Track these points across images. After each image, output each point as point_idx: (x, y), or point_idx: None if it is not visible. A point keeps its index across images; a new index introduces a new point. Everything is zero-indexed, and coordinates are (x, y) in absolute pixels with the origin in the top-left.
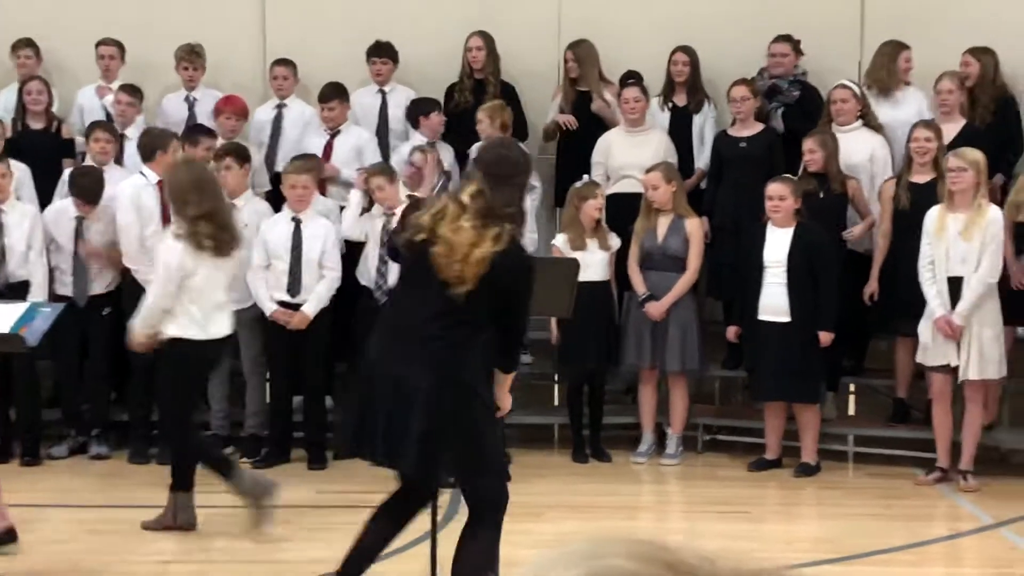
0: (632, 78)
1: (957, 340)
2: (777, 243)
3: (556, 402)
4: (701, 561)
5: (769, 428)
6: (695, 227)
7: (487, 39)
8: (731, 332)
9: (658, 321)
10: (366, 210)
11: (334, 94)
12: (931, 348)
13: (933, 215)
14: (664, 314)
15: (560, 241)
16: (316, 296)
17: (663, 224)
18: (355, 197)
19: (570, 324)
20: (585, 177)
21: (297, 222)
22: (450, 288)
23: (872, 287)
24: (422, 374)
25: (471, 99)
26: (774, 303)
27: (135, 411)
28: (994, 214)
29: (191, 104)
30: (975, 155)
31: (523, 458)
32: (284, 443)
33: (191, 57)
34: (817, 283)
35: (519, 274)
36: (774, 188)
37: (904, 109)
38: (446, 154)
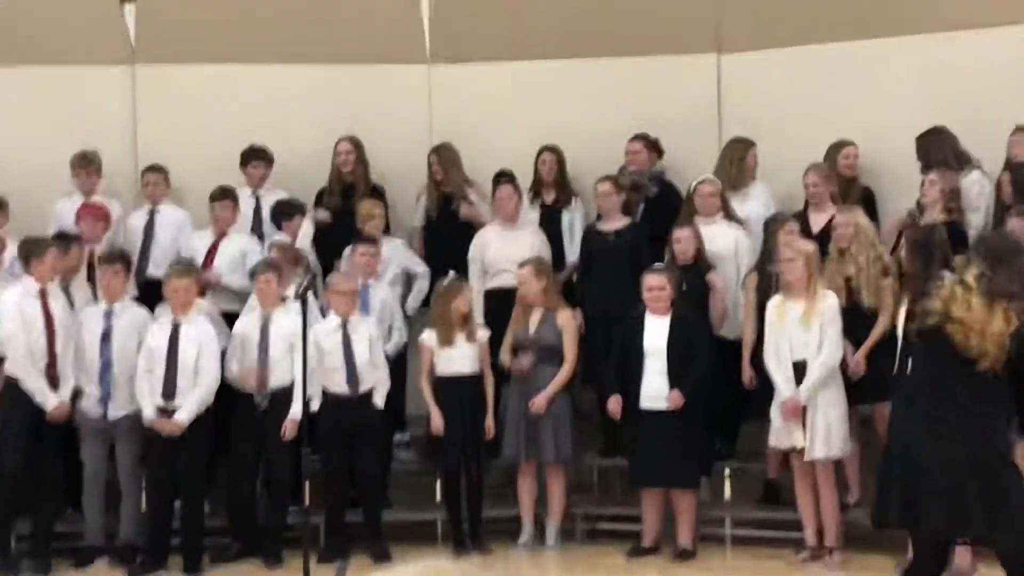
0: (504, 176)
1: (801, 421)
2: (655, 331)
3: (439, 497)
4: None
5: (646, 515)
6: (567, 319)
7: (356, 144)
8: (612, 402)
9: (538, 413)
10: None
11: (225, 195)
12: (782, 431)
13: (774, 303)
14: (543, 408)
15: (427, 336)
16: (190, 402)
17: (535, 317)
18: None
19: (443, 415)
20: (451, 274)
21: (176, 326)
22: (976, 365)
23: (747, 373)
24: (970, 450)
25: (340, 202)
26: (655, 390)
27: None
28: (831, 300)
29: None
30: (806, 246)
31: (405, 555)
32: (162, 550)
33: (83, 163)
34: (694, 362)
35: None
36: (653, 279)
37: (752, 203)
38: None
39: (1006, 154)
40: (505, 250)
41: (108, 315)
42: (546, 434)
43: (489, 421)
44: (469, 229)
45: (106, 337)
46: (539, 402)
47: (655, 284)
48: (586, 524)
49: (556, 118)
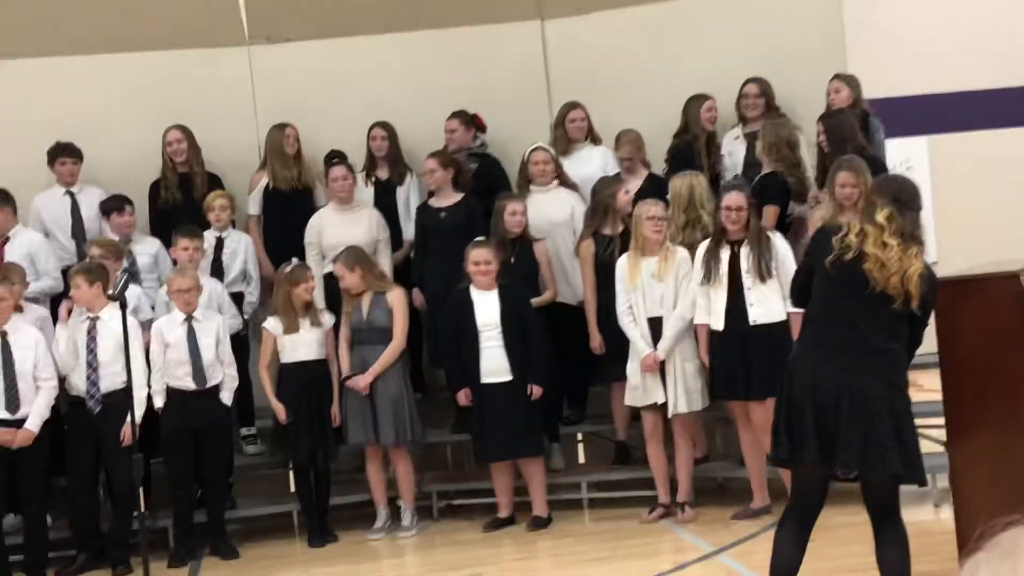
0: (336, 156)
1: (662, 376)
2: (487, 306)
3: (293, 488)
4: None
5: (499, 487)
6: (396, 298)
7: (185, 131)
8: (462, 396)
9: (366, 395)
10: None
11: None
12: (639, 389)
13: (623, 262)
14: (367, 388)
15: (271, 324)
16: (36, 409)
17: (365, 300)
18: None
19: (285, 407)
20: (294, 260)
21: (3, 336)
22: (891, 303)
23: (596, 339)
24: (877, 384)
25: (179, 194)
26: (494, 365)
27: None
28: (683, 255)
29: None
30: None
31: (261, 549)
32: (5, 565)
33: None
34: (527, 339)
35: (934, 289)
36: (479, 253)
37: (589, 165)
38: (146, 247)
39: (826, 101)
40: (342, 232)
41: None
42: (385, 417)
43: (335, 408)
44: (311, 209)
45: None
46: (361, 382)
47: (481, 258)
48: (441, 502)
49: (384, 94)
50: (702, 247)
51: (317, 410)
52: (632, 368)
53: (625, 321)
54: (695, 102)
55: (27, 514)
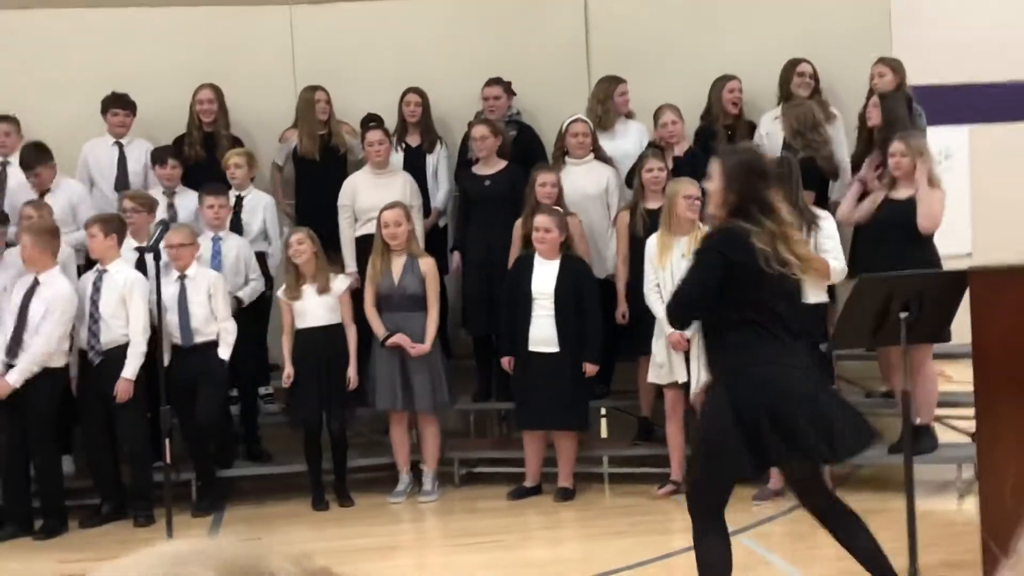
0: (373, 121)
1: (687, 354)
2: (544, 275)
3: None
4: (286, 566)
5: (529, 456)
6: (429, 266)
7: (216, 91)
8: (505, 362)
9: (403, 360)
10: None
11: (35, 160)
12: (664, 367)
13: (653, 241)
14: (421, 353)
15: (280, 291)
16: (22, 363)
17: (397, 265)
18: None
19: (299, 369)
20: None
21: (35, 283)
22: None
23: (622, 308)
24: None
25: (203, 152)
26: (543, 334)
27: None
28: None
29: None
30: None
31: (273, 508)
32: (19, 514)
33: None
34: (583, 314)
35: None
36: (541, 220)
37: (625, 141)
38: (189, 201)
39: (869, 84)
40: (376, 196)
41: None
42: (421, 383)
43: (351, 371)
44: (342, 172)
45: None
46: (418, 351)
47: (541, 225)
48: (464, 469)
49: (419, 60)
50: None
51: (326, 374)
52: (657, 346)
53: (652, 299)
54: (718, 83)
55: (37, 463)
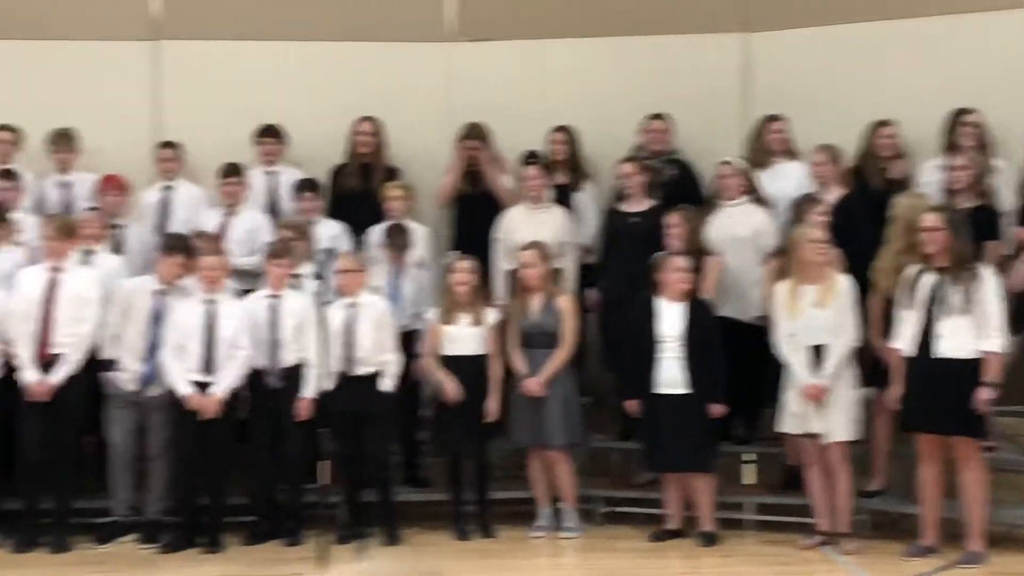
0: (532, 157)
1: (821, 403)
2: (671, 317)
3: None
4: None
5: (669, 499)
6: (566, 304)
7: (376, 124)
8: (631, 406)
9: (539, 397)
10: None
11: (234, 170)
12: (798, 416)
13: (783, 288)
14: (543, 389)
15: (431, 314)
16: (226, 377)
17: (536, 303)
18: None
19: (440, 395)
20: (452, 254)
21: (212, 303)
22: None
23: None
24: None
25: (358, 183)
26: (671, 376)
27: (25, 499)
28: (845, 282)
29: (65, 188)
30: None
31: (419, 536)
32: (190, 528)
33: (62, 141)
34: (708, 355)
35: None
36: (678, 262)
37: (786, 182)
38: (327, 230)
39: None
40: (531, 232)
41: (161, 295)
42: (552, 419)
43: (492, 403)
44: (496, 206)
45: (157, 317)
46: (531, 385)
47: (681, 267)
48: (605, 508)
49: (574, 97)
50: (911, 270)
51: (470, 404)
52: (790, 395)
53: (783, 349)
54: (873, 127)
55: (212, 479)
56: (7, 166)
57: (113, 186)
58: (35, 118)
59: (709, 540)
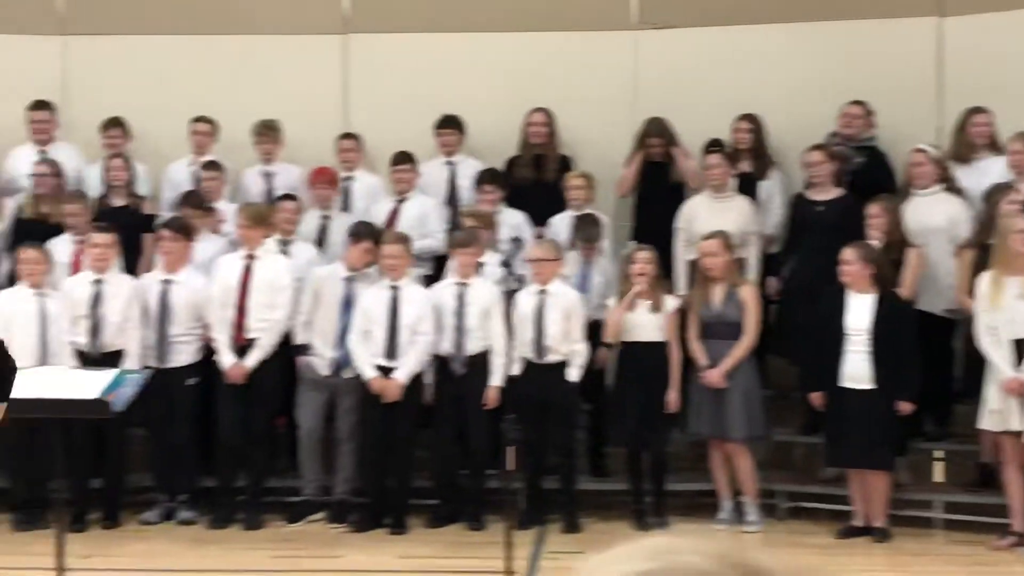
0: (715, 145)
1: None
2: (859, 310)
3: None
4: (776, 565)
5: (855, 494)
6: (749, 294)
7: (548, 115)
8: (815, 398)
9: (720, 388)
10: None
11: (405, 159)
12: (999, 412)
13: (986, 280)
14: (724, 380)
15: (611, 302)
16: (408, 362)
17: (718, 293)
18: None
19: (621, 384)
20: (631, 244)
21: (395, 289)
22: None
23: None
24: None
25: (531, 173)
26: (856, 370)
27: (221, 477)
28: None
29: (268, 178)
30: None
31: (597, 525)
32: (375, 509)
33: (267, 132)
34: (899, 350)
35: None
36: (852, 254)
37: (987, 178)
38: (512, 219)
39: None
40: (713, 220)
41: (350, 281)
42: (733, 411)
43: (673, 395)
44: (676, 197)
45: (348, 303)
46: (713, 376)
47: (845, 258)
48: (788, 503)
49: (762, 85)
50: None
51: (648, 393)
52: (991, 390)
53: (985, 342)
54: (961, 113)
55: (397, 462)
56: (207, 157)
57: (324, 178)
58: (234, 110)
59: (881, 536)
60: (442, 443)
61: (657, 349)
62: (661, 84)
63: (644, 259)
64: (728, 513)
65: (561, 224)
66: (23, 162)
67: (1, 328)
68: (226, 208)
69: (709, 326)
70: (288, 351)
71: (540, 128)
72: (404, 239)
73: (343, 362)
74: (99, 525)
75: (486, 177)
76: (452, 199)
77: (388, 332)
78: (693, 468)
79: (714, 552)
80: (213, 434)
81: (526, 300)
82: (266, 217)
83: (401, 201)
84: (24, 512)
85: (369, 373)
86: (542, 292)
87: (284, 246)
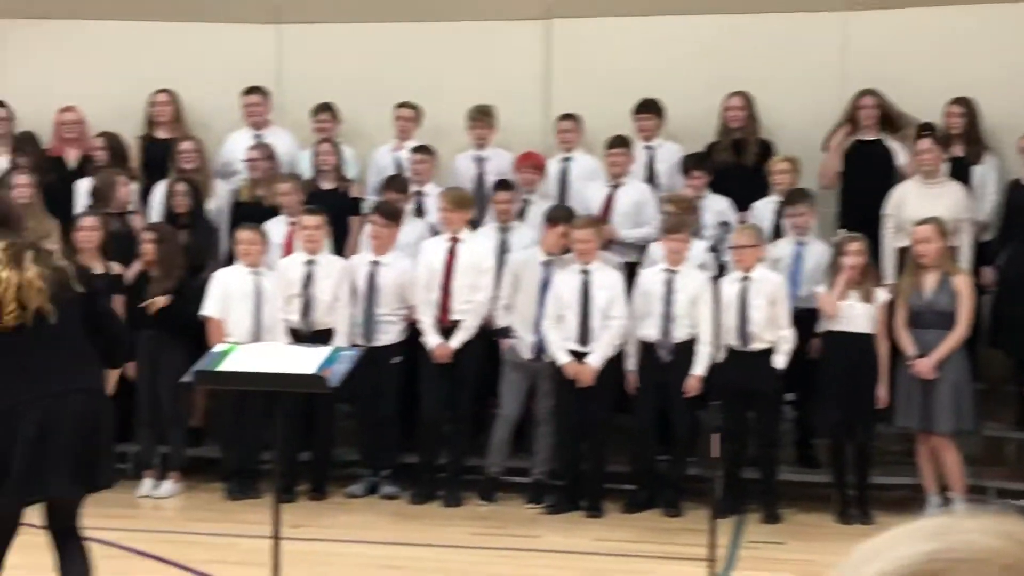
0: (927, 129)
1: None
2: None
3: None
4: None
5: None
6: (964, 283)
7: (747, 99)
8: None
9: (929, 379)
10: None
11: (621, 142)
12: None
13: None
14: (934, 371)
15: (822, 290)
16: (601, 346)
17: (931, 281)
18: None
19: (827, 374)
20: (841, 232)
21: (586, 273)
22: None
23: None
24: None
25: (730, 157)
26: None
27: (423, 454)
28: None
29: (480, 163)
30: None
31: (799, 516)
32: (571, 492)
33: (482, 117)
34: None
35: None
36: None
37: None
38: (717, 204)
39: None
40: (925, 206)
41: (547, 266)
42: (941, 403)
43: (882, 390)
44: (884, 181)
45: (546, 287)
46: (924, 367)
47: None
48: (998, 500)
49: (977, 67)
50: None
51: (854, 384)
52: None
53: None
54: None
55: (591, 444)
56: (411, 142)
57: (530, 163)
58: (439, 96)
59: None
60: (641, 430)
61: (865, 340)
62: (869, 66)
63: (856, 249)
64: (935, 509)
65: (764, 209)
66: (239, 146)
67: (219, 305)
68: (435, 192)
69: (919, 315)
70: (490, 334)
71: (738, 112)
72: (596, 222)
73: (543, 346)
74: (307, 496)
75: (693, 162)
76: (651, 184)
77: (580, 317)
78: (900, 462)
79: (1001, 530)
80: (416, 412)
81: (729, 287)
82: (467, 201)
83: (616, 187)
84: (236, 482)
85: (563, 358)
86: (745, 278)
87: (503, 233)
